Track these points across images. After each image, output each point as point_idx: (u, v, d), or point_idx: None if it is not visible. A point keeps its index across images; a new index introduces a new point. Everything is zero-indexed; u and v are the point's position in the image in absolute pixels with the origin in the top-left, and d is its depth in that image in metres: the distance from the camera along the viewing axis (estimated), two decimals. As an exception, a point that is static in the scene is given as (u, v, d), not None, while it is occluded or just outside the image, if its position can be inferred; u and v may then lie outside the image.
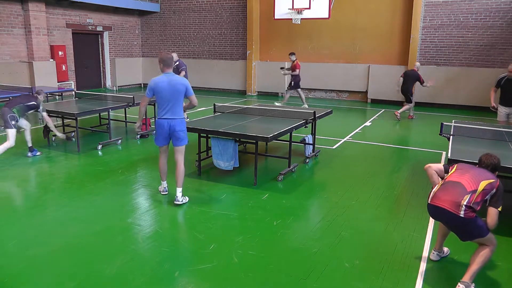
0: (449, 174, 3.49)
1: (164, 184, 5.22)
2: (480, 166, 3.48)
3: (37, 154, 6.94)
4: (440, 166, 3.66)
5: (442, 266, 3.70)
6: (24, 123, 6.76)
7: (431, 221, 4.57)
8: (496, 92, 7.42)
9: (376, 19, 13.93)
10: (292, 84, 12.09)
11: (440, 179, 3.57)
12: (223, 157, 5.75)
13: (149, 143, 8.00)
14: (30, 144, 6.88)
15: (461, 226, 3.26)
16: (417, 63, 11.04)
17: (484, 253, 3.26)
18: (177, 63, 10.00)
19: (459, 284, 3.23)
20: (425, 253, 3.86)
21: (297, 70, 11.97)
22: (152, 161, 6.79)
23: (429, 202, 3.39)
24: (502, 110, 7.29)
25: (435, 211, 3.34)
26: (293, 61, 12.03)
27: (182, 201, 4.94)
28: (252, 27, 15.67)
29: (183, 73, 9.97)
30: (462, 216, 3.16)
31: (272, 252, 3.86)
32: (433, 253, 3.78)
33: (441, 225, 3.74)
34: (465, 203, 3.15)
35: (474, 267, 3.24)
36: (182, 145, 4.92)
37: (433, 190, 3.44)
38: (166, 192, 5.22)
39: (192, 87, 5.00)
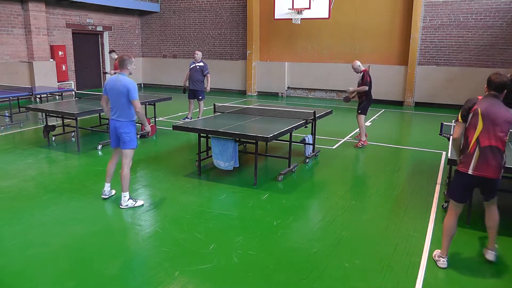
0: (477, 131, 3.42)
1: (106, 186, 5.05)
2: (490, 88, 3.46)
3: None
4: (458, 130, 3.57)
5: (442, 266, 3.70)
6: None
7: (431, 221, 4.57)
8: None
9: (376, 19, 13.92)
10: None
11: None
12: (223, 157, 5.75)
13: (149, 144, 8.01)
14: None
15: (496, 186, 3.55)
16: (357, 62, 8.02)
17: (495, 216, 3.62)
18: (201, 64, 9.66)
19: (489, 251, 3.62)
20: (425, 253, 3.86)
21: None
22: (152, 162, 6.80)
23: (471, 173, 3.46)
24: None
25: (477, 181, 3.51)
26: (115, 59, 11.67)
27: (126, 205, 4.78)
28: (252, 27, 15.66)
29: (208, 77, 9.71)
30: (500, 178, 3.49)
31: (272, 252, 3.86)
32: (443, 260, 3.61)
33: (446, 228, 3.63)
34: (502, 164, 3.47)
35: (494, 233, 3.63)
36: (126, 148, 4.74)
37: (472, 160, 3.45)
38: (106, 196, 5.04)
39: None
